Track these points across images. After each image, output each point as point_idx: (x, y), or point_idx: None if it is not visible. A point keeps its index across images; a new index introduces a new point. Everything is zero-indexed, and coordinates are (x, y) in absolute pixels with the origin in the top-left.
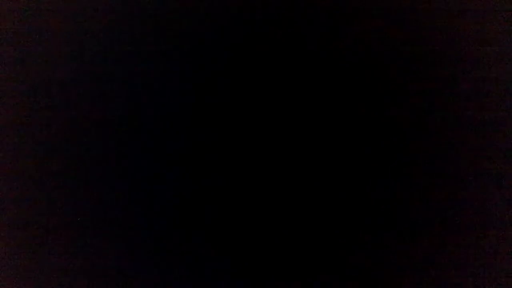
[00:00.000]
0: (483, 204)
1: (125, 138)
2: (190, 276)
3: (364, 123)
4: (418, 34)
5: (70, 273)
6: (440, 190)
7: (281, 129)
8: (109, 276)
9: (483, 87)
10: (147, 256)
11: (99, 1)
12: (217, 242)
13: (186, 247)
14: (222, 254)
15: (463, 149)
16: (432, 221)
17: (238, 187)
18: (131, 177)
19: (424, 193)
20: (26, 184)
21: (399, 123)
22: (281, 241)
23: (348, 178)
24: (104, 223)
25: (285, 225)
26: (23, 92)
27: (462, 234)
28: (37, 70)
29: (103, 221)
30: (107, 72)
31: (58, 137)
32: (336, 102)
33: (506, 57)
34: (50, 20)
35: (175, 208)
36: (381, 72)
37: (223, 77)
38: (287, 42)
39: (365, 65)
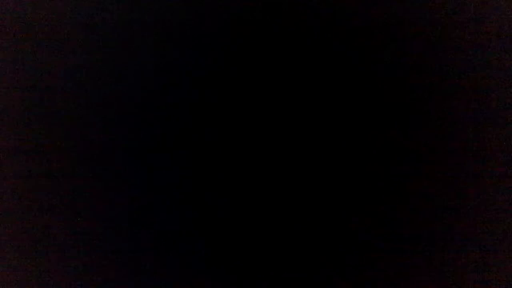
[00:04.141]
0: (483, 204)
1: (125, 139)
2: (190, 276)
3: (363, 123)
4: (418, 33)
5: (70, 273)
6: (440, 190)
7: (281, 129)
8: (109, 276)
9: (483, 87)
10: (147, 256)
11: (99, 1)
12: (217, 242)
13: (186, 247)
14: (222, 254)
15: (462, 149)
16: (432, 221)
17: (238, 187)
18: (131, 177)
19: (423, 193)
20: (26, 184)
21: (399, 123)
22: (281, 242)
23: (347, 178)
24: (104, 223)
25: (285, 225)
26: (23, 92)
27: (462, 234)
28: (37, 70)
29: (103, 221)
30: (106, 72)
31: (58, 137)
32: (335, 102)
33: (506, 57)
34: (50, 20)
35: (176, 208)
36: (380, 71)
37: (223, 77)
38: (287, 42)
39: (365, 65)
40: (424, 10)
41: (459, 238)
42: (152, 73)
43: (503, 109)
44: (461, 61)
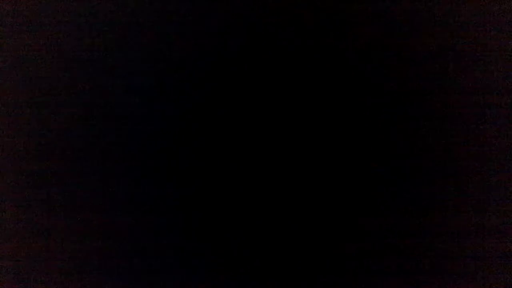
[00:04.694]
0: (483, 204)
1: (125, 139)
2: (190, 276)
3: (363, 123)
4: (418, 33)
5: (70, 273)
6: (440, 189)
7: (282, 129)
8: (109, 276)
9: (483, 87)
10: (147, 256)
11: (99, 1)
12: (217, 243)
13: (186, 247)
14: (222, 254)
15: (463, 149)
16: (431, 222)
17: (239, 188)
18: (131, 177)
19: (423, 193)
20: (26, 184)
21: (398, 122)
22: (280, 242)
23: (347, 178)
24: (104, 223)
25: (284, 225)
26: (23, 92)
27: (462, 234)
28: (37, 69)
29: (103, 221)
30: (106, 73)
31: (58, 137)
32: (335, 102)
33: (506, 57)
34: (49, 20)
35: (175, 208)
36: (380, 71)
37: (222, 77)
38: (287, 42)
39: (365, 65)
40: (424, 9)
41: (459, 238)
42: (152, 73)
43: (503, 109)
44: (462, 60)
